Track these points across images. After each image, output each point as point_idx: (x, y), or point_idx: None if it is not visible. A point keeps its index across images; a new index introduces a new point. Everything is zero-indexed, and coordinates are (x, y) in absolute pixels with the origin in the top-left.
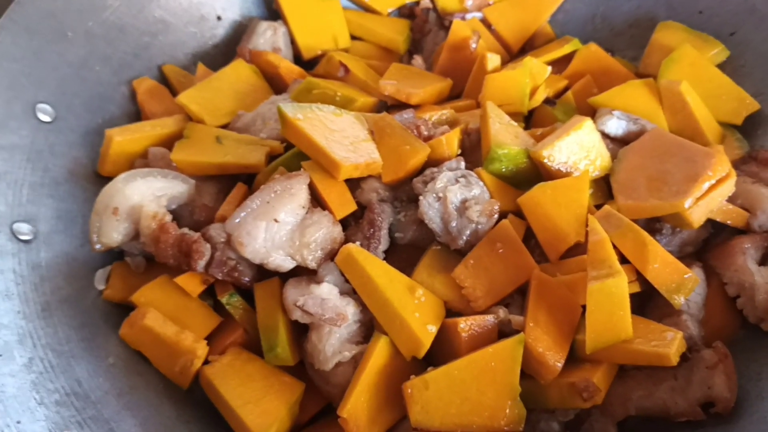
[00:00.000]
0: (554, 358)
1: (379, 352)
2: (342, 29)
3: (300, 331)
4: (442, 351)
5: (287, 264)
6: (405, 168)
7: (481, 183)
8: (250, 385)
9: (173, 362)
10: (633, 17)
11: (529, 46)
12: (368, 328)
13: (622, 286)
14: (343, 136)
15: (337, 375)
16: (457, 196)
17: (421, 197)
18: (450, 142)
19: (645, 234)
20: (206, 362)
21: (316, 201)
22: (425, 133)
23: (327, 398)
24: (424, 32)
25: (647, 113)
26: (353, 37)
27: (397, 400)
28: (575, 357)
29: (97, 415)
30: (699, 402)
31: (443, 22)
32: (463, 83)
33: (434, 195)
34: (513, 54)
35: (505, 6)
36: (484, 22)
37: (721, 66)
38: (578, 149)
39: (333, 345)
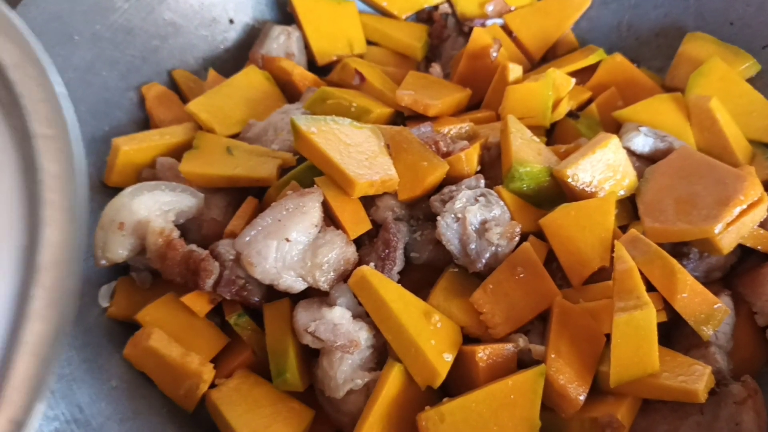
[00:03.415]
0: (577, 391)
1: (392, 381)
2: (358, 34)
3: (310, 355)
4: (459, 380)
5: (298, 285)
6: (422, 186)
7: (502, 203)
8: (257, 411)
9: (178, 385)
10: (660, 26)
11: (551, 54)
12: (381, 354)
13: (650, 318)
14: (358, 151)
15: (349, 403)
16: (477, 216)
17: (439, 218)
18: (470, 159)
19: (674, 262)
20: (212, 385)
21: (329, 219)
22: (444, 149)
23: (337, 426)
24: (443, 38)
25: (674, 129)
26: (369, 42)
27: None
28: (598, 389)
29: None
30: None
31: (462, 27)
32: (482, 93)
33: (453, 215)
34: (534, 62)
35: (526, 12)
36: (505, 28)
37: (752, 80)
38: (604, 168)
39: (345, 372)
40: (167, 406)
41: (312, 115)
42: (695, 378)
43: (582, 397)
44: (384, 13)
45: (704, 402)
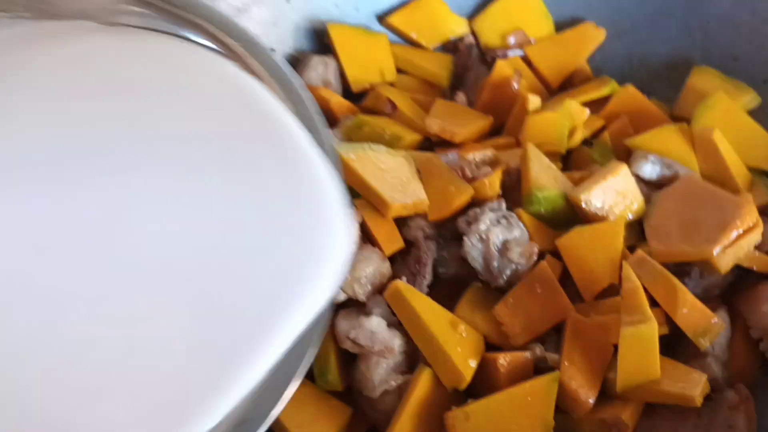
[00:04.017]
0: (587, 395)
1: (422, 384)
2: (389, 64)
3: (349, 359)
4: (482, 383)
5: (339, 296)
6: (450, 208)
7: (521, 224)
8: (302, 407)
9: None
10: (670, 60)
11: (567, 83)
12: (412, 359)
13: (652, 331)
14: (392, 176)
15: (383, 402)
16: (499, 237)
17: (465, 237)
18: (492, 184)
19: (676, 281)
20: None
21: (366, 237)
22: (469, 175)
23: (373, 423)
24: (467, 67)
25: (680, 157)
26: (399, 71)
27: (438, 429)
28: (606, 394)
29: None
30: None
31: (485, 57)
32: (503, 119)
33: (477, 236)
34: (552, 91)
35: (546, 45)
36: (525, 59)
37: (753, 112)
38: (614, 194)
39: (380, 375)
40: None
41: (351, 143)
42: (692, 385)
43: (592, 401)
44: (413, 44)
45: (701, 406)
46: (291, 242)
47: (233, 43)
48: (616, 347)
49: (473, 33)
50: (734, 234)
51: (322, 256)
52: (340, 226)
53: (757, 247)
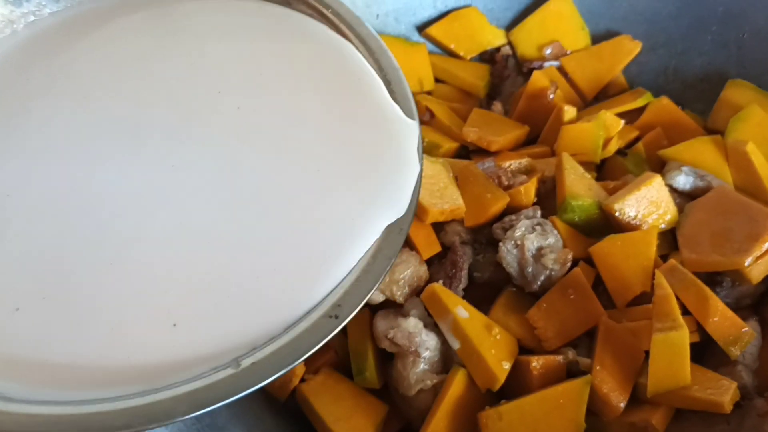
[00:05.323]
0: (618, 399)
1: (457, 384)
2: (427, 73)
3: (385, 357)
4: (515, 385)
5: (378, 298)
6: (486, 214)
7: (556, 231)
8: (340, 403)
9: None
10: (704, 72)
11: (603, 94)
12: (448, 360)
13: (683, 338)
14: (431, 182)
15: (419, 400)
16: (534, 243)
17: (500, 243)
18: (528, 192)
19: (707, 289)
20: (302, 380)
21: (405, 242)
22: (505, 182)
23: (408, 420)
24: (503, 77)
25: (714, 168)
26: (437, 80)
27: (471, 428)
28: (636, 398)
29: (212, 423)
30: None
31: (522, 68)
32: (539, 128)
33: (513, 242)
34: (587, 101)
35: (581, 56)
36: (561, 70)
37: None
38: (648, 204)
39: (416, 374)
40: (264, 395)
41: None
42: (722, 391)
43: (622, 404)
44: (451, 54)
45: (730, 413)
46: (384, 168)
47: (327, 12)
48: (647, 353)
49: (510, 44)
50: (766, 245)
51: (405, 180)
52: (414, 158)
53: None
